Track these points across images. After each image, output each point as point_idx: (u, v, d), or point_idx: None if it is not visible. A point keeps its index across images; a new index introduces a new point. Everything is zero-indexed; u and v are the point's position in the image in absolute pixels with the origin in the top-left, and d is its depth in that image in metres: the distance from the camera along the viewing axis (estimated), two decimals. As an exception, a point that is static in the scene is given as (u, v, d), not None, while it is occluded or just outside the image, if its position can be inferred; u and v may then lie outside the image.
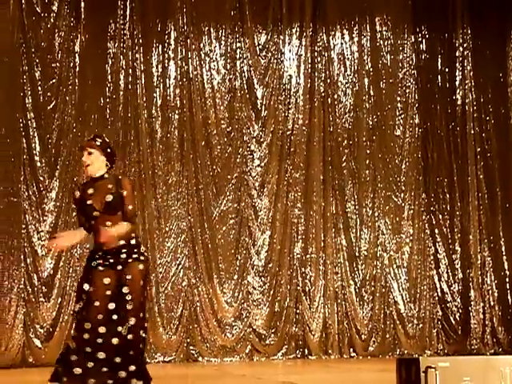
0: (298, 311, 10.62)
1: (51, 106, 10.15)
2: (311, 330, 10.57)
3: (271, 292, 10.60)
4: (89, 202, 5.45)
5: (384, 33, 11.33)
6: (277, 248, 10.69)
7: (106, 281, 5.33)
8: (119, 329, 5.29)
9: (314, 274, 10.71)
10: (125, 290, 5.36)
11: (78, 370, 5.21)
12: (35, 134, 10.05)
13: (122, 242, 5.37)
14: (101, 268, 5.34)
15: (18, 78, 10.04)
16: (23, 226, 9.82)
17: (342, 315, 10.70)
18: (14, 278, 9.64)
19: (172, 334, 10.17)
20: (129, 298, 5.36)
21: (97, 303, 5.29)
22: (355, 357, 10.60)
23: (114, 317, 5.30)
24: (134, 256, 5.42)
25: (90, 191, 5.50)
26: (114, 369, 5.28)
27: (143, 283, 5.47)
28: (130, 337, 5.32)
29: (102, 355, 5.23)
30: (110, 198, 5.46)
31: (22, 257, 9.76)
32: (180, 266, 10.36)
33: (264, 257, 10.68)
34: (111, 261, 5.36)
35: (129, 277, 5.38)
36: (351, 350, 10.66)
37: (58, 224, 9.80)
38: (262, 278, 10.63)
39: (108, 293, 5.32)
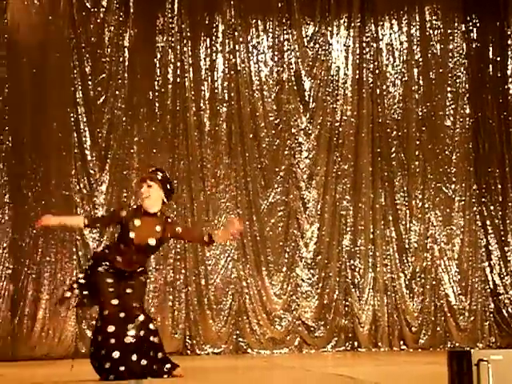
0: (347, 303, 10.57)
1: (101, 100, 10.27)
2: (361, 323, 10.51)
3: (320, 284, 10.58)
4: (131, 235, 5.45)
5: (433, 22, 11.18)
6: (325, 240, 10.65)
7: (109, 280, 5.41)
8: (130, 327, 5.32)
9: (363, 267, 10.65)
10: (128, 290, 5.44)
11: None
12: (86, 128, 10.18)
13: (141, 269, 5.62)
14: (104, 272, 5.50)
15: (69, 73, 10.18)
16: (75, 219, 9.96)
17: (392, 307, 10.62)
18: (67, 271, 9.78)
19: (221, 326, 10.22)
20: (133, 296, 5.44)
21: (101, 298, 5.37)
22: (405, 349, 10.52)
23: (122, 315, 5.34)
24: (139, 271, 5.61)
25: (137, 223, 5.47)
26: (135, 366, 5.33)
27: (144, 289, 5.77)
28: (142, 333, 5.36)
29: (116, 354, 5.26)
30: (153, 242, 5.48)
31: (74, 249, 9.92)
32: (229, 259, 10.40)
33: (313, 249, 10.65)
34: (115, 272, 5.53)
35: (131, 282, 5.49)
36: (401, 342, 10.58)
37: (109, 217, 9.89)
38: (311, 271, 10.61)
39: (111, 290, 5.39)
